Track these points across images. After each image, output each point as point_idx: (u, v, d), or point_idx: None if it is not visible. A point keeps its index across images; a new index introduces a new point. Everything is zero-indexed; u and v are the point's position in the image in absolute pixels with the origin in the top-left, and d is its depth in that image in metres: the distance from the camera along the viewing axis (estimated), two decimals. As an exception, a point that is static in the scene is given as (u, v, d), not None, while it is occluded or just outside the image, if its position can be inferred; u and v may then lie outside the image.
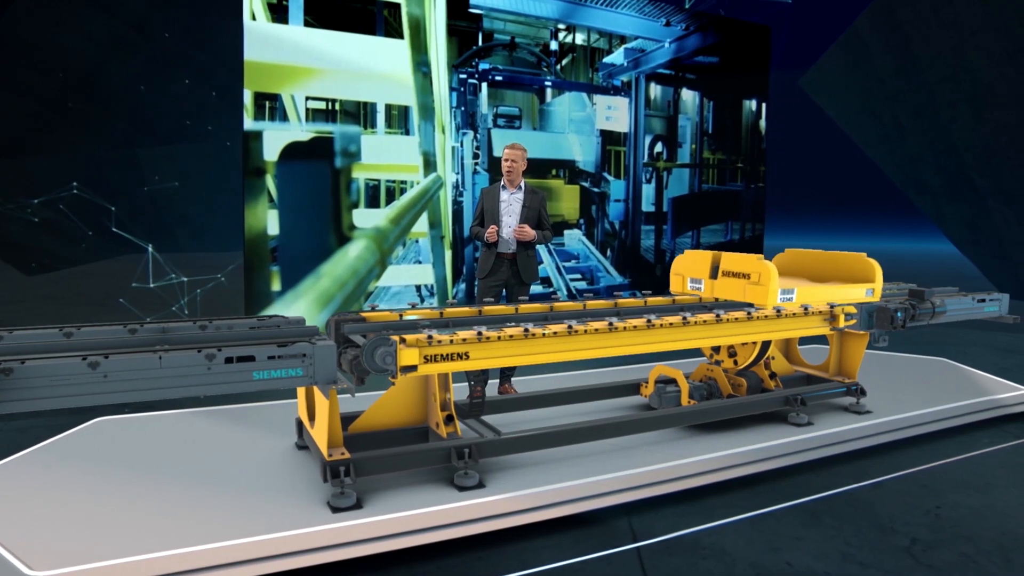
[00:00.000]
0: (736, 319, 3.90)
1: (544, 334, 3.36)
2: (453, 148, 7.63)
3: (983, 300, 5.07)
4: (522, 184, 5.08)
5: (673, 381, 4.37)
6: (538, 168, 8.36)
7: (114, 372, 2.67)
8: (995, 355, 7.32)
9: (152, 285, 9.87)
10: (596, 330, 3.46)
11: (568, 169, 8.64)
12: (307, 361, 2.94)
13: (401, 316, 3.82)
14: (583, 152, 8.71)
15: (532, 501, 3.22)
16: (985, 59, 10.80)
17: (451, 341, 3.16)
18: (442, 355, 3.15)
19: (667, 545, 3.11)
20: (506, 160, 5.02)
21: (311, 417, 3.54)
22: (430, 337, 3.12)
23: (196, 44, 14.94)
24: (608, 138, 8.89)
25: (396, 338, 3.07)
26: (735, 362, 4.43)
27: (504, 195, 5.04)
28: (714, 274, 4.43)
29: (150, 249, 10.08)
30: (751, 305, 4.17)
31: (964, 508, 3.54)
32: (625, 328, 3.54)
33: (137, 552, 2.63)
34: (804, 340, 5.21)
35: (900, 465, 4.08)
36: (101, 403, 2.65)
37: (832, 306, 4.28)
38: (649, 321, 3.60)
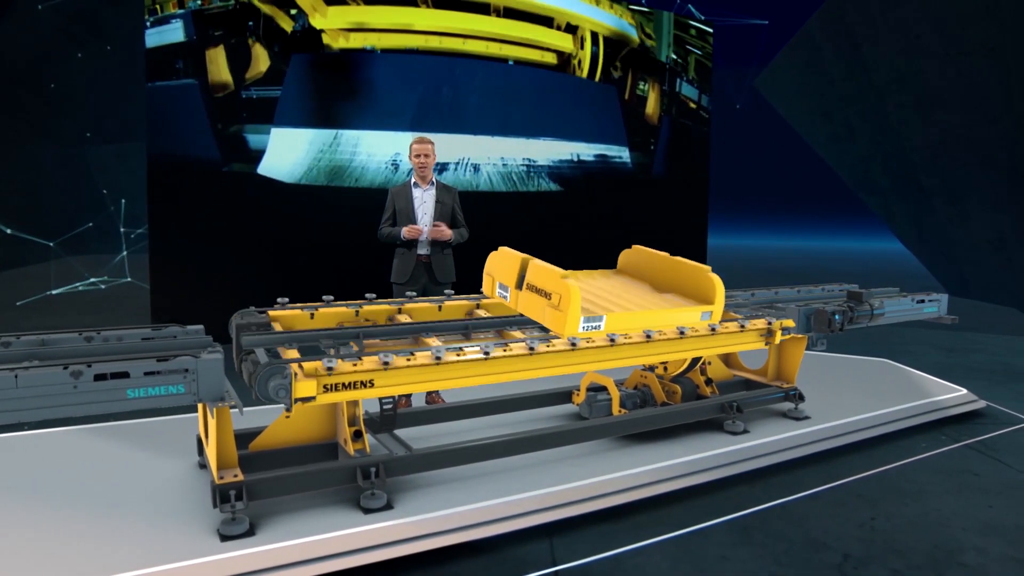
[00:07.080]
0: (668, 338, 3.69)
1: (457, 360, 3.10)
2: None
3: (922, 301, 5.00)
4: (434, 180, 4.83)
5: (604, 389, 4.17)
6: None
7: (-41, 394, 2.38)
8: (938, 354, 7.32)
9: (57, 290, 9.42)
10: (515, 354, 3.22)
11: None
12: (190, 377, 2.67)
13: (312, 315, 3.57)
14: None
15: (443, 524, 2.98)
16: (930, 62, 10.91)
17: (354, 367, 2.90)
18: (343, 384, 2.88)
19: (586, 570, 2.91)
20: (417, 156, 4.74)
21: (208, 435, 3.26)
22: (330, 369, 2.84)
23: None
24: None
25: (294, 368, 2.81)
26: (665, 368, 4.26)
27: (417, 193, 4.78)
28: (520, 284, 3.45)
29: (124, 246, 9.64)
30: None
31: (899, 519, 3.42)
32: (548, 351, 3.30)
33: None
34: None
35: (837, 474, 3.95)
36: (-56, 428, 2.36)
37: (770, 321, 4.11)
38: (574, 344, 3.38)
